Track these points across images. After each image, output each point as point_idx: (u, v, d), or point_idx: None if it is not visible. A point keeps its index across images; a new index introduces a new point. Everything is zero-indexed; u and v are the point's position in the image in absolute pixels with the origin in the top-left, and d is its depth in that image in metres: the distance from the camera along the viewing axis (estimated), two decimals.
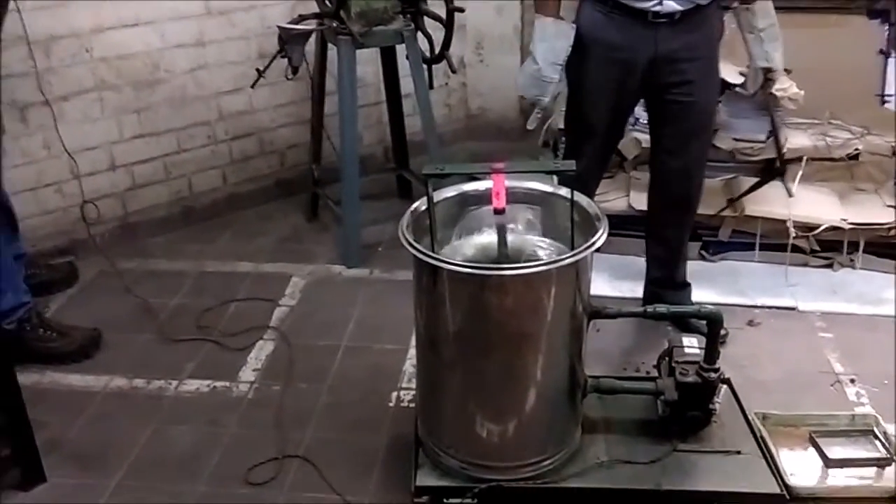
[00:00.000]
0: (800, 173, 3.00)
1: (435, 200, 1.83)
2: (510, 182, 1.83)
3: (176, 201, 3.34)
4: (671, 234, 2.67)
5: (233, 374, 2.47)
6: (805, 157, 3.06)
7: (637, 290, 2.89)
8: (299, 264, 3.08)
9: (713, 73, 2.47)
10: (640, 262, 3.06)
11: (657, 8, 2.26)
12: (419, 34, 3.02)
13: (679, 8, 2.27)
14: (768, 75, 2.53)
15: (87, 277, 2.97)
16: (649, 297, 2.70)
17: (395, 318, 2.63)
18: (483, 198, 1.89)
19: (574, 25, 2.35)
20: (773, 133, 3.06)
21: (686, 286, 2.71)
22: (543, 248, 1.89)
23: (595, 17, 2.35)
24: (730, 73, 3.20)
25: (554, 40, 2.33)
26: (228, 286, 2.92)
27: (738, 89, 2.82)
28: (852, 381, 2.44)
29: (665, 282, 2.68)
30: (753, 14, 2.43)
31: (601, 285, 2.90)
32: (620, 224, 3.13)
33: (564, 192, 1.84)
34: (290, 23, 2.92)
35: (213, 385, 2.43)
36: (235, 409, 2.33)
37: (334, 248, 3.18)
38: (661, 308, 1.90)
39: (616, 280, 2.98)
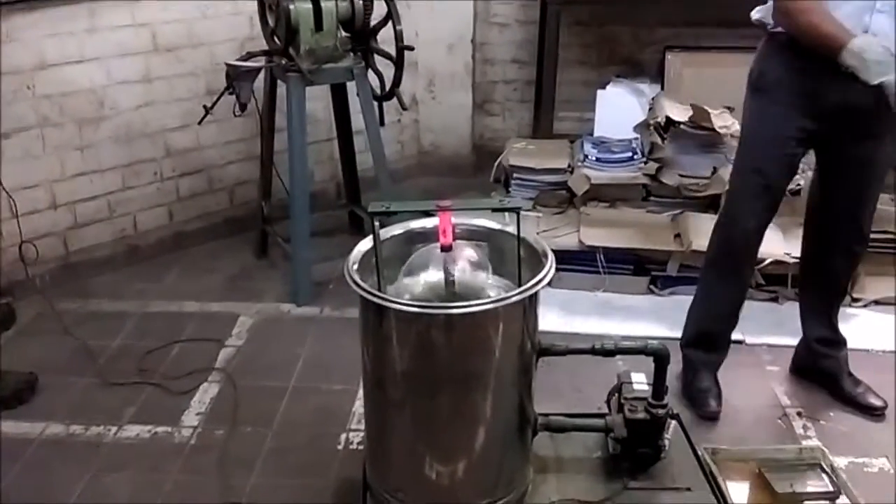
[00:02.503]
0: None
1: (382, 238, 1.80)
2: (458, 219, 1.82)
3: (120, 240, 3.27)
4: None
5: (175, 418, 2.39)
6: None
7: (587, 324, 2.90)
8: (247, 303, 3.03)
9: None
10: (590, 297, 3.10)
11: None
12: (370, 72, 3.03)
13: None
14: None
15: (24, 319, 2.87)
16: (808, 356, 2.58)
17: (345, 357, 2.59)
18: (430, 235, 1.87)
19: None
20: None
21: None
22: (491, 286, 1.87)
23: (781, 57, 2.20)
24: (676, 110, 3.28)
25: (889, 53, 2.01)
26: (173, 327, 2.85)
27: None
28: (799, 414, 2.46)
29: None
30: None
31: (552, 321, 2.91)
32: (570, 259, 3.17)
33: (511, 229, 1.84)
34: (238, 59, 2.91)
35: (155, 430, 2.35)
36: (177, 455, 2.25)
37: (284, 285, 3.13)
38: (609, 344, 1.90)
39: (567, 315, 2.99)
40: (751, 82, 2.34)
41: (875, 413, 2.44)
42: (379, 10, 2.95)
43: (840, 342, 2.55)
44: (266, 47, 2.96)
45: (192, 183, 3.41)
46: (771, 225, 2.90)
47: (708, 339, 2.53)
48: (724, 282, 2.48)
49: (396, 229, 1.91)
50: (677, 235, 3.11)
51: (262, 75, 3.02)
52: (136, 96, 3.15)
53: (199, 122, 3.01)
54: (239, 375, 2.59)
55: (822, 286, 2.52)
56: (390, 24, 2.92)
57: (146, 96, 3.18)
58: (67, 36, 2.93)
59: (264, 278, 3.22)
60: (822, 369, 2.56)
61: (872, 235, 3.11)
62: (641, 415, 1.92)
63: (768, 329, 2.87)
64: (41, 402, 2.46)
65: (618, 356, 1.94)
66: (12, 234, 2.96)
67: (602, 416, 2.07)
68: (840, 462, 2.20)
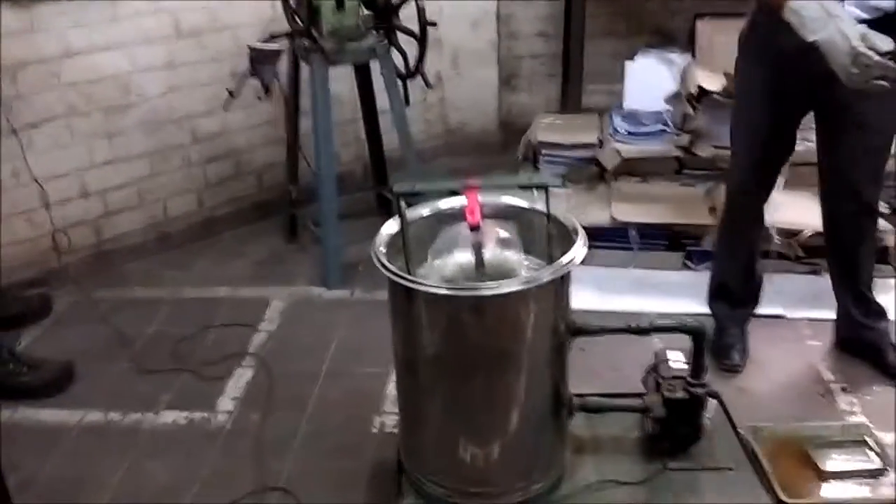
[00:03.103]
0: (782, 179, 2.97)
1: (409, 219, 1.78)
2: (486, 198, 1.78)
3: (151, 227, 3.28)
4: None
5: (210, 404, 2.40)
6: (789, 162, 3.02)
7: (622, 302, 2.85)
8: (278, 287, 3.02)
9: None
10: (624, 274, 3.04)
11: None
12: (393, 50, 2.99)
13: (862, 15, 2.03)
14: None
15: (60, 308, 2.90)
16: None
17: (377, 339, 2.53)
18: (458, 215, 1.84)
19: None
20: None
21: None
22: (522, 265, 1.84)
23: (760, 17, 2.16)
24: (708, 80, 3.19)
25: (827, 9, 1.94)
26: (206, 313, 2.86)
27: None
28: (843, 389, 2.40)
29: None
30: None
31: (586, 299, 2.84)
32: (603, 236, 3.11)
33: (540, 206, 1.79)
34: (260, 42, 2.88)
35: (191, 416, 2.36)
36: (214, 440, 2.26)
37: (314, 269, 3.12)
38: (644, 322, 1.85)
39: (601, 293, 2.93)
40: (739, 43, 2.30)
41: None
42: None
43: (877, 312, 2.47)
44: (288, 29, 2.93)
45: (219, 168, 3.41)
46: (810, 195, 2.83)
47: (728, 292, 2.55)
48: (732, 241, 2.52)
49: (424, 209, 1.87)
50: (712, 209, 3.03)
51: (285, 57, 2.99)
52: (161, 83, 3.15)
53: (225, 108, 2.99)
54: (272, 360, 2.59)
55: (840, 257, 2.46)
56: (413, 0, 2.87)
57: (171, 82, 3.17)
58: (92, 25, 2.93)
59: (294, 262, 3.21)
60: (863, 341, 2.49)
61: None
62: (680, 394, 1.87)
63: (809, 302, 2.79)
64: (79, 390, 2.48)
65: (654, 334, 1.89)
66: (44, 223, 2.98)
67: (640, 395, 2.04)
68: (887, 438, 2.13)
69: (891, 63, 1.90)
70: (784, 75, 2.12)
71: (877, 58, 1.89)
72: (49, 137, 2.95)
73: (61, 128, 2.97)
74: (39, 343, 2.72)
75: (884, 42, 1.90)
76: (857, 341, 2.50)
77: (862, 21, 2.02)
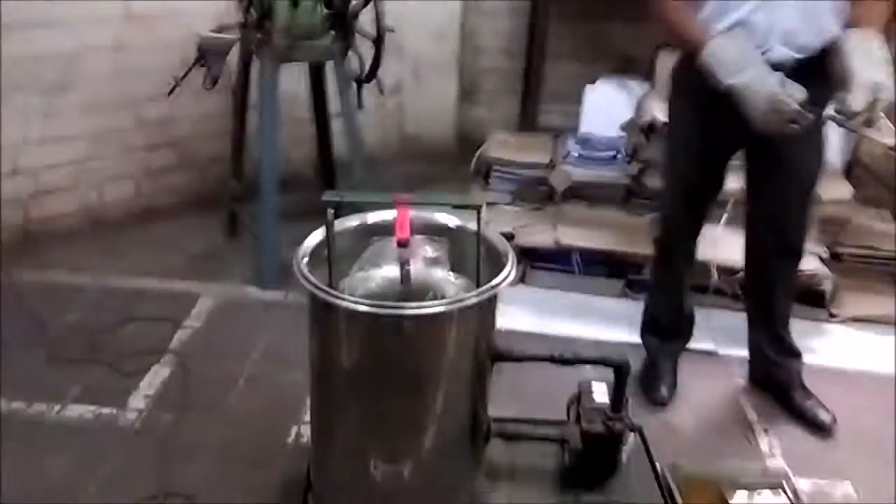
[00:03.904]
0: (725, 216, 2.98)
1: (337, 230, 1.72)
2: (420, 214, 1.74)
3: (83, 211, 3.17)
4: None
5: (122, 400, 2.31)
6: (731, 200, 3.04)
7: (559, 326, 2.83)
8: (210, 283, 2.94)
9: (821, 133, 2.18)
10: (564, 298, 3.02)
11: (766, 56, 1.99)
12: (350, 53, 2.93)
13: (793, 55, 2.03)
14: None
15: None
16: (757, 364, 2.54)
17: (306, 345, 2.50)
18: (389, 228, 1.79)
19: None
20: None
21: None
22: (449, 284, 1.79)
23: (688, 55, 2.10)
24: (662, 111, 3.19)
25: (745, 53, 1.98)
26: (130, 304, 2.76)
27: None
28: (766, 431, 2.40)
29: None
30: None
31: (523, 320, 2.83)
32: (546, 258, 3.10)
33: (472, 225, 1.75)
34: (211, 32, 2.80)
35: (99, 412, 2.27)
36: (120, 439, 2.17)
37: (250, 268, 3.04)
38: (568, 353, 1.82)
39: (539, 315, 2.91)
40: (671, 80, 2.32)
41: (822, 429, 2.37)
42: None
43: (789, 351, 2.49)
44: (241, 20, 2.86)
45: (161, 157, 3.32)
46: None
47: (660, 325, 2.56)
48: (664, 275, 2.53)
49: (353, 220, 1.82)
50: (656, 239, 3.03)
51: (236, 50, 2.92)
52: (107, 64, 3.05)
53: (168, 94, 2.90)
54: (193, 359, 2.51)
55: (759, 294, 2.48)
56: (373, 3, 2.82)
57: (117, 65, 3.08)
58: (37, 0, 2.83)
59: (230, 259, 3.12)
60: (772, 378, 2.51)
61: (852, 250, 3.10)
62: (598, 427, 1.85)
63: (742, 340, 2.80)
64: None
65: (577, 366, 1.86)
66: None
67: (561, 423, 2.01)
68: (803, 484, 2.14)
69: (807, 113, 1.92)
70: (713, 114, 2.11)
71: (794, 105, 1.91)
72: None
73: None
74: None
75: (799, 91, 1.93)
76: (768, 378, 2.52)
77: (788, 62, 2.04)
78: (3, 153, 2.93)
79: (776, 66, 1.99)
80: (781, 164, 2.21)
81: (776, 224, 2.32)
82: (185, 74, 2.81)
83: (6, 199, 2.97)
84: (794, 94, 1.92)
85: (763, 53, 2.01)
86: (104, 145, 3.15)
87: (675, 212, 2.40)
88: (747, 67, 1.95)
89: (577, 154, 3.33)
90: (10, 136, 2.93)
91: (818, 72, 2.03)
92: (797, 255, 2.39)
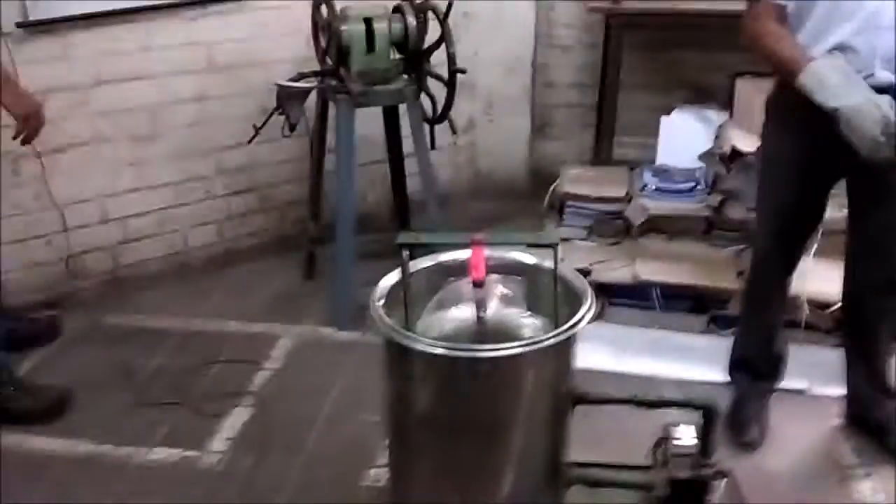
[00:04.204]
0: (815, 246, 2.85)
1: (412, 270, 1.72)
2: (494, 252, 1.72)
3: (169, 256, 3.28)
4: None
5: (204, 442, 2.35)
6: (820, 230, 2.91)
7: (639, 364, 2.75)
8: (289, 325, 2.98)
9: None
10: (644, 335, 2.93)
11: (869, 81, 1.92)
12: (422, 94, 2.96)
13: (893, 81, 1.95)
14: None
15: (69, 333, 2.89)
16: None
17: (382, 386, 2.50)
18: (464, 268, 1.78)
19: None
20: None
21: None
22: (526, 325, 1.76)
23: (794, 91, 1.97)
24: (743, 140, 3.10)
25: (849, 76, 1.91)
26: (213, 346, 2.82)
27: None
28: (867, 475, 2.25)
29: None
30: None
31: (602, 358, 2.76)
32: (624, 293, 3.02)
33: (548, 263, 1.72)
34: (289, 80, 2.88)
35: (183, 454, 2.31)
36: (202, 481, 2.21)
37: (328, 308, 3.07)
38: (651, 395, 1.76)
39: (619, 352, 2.83)
40: (766, 108, 2.22)
41: None
42: (434, 31, 2.88)
43: (890, 392, 2.35)
44: (318, 68, 2.93)
45: (242, 201, 3.40)
46: (841, 264, 2.70)
47: (750, 364, 2.44)
48: (755, 313, 2.42)
49: (427, 261, 1.81)
50: (741, 273, 2.92)
51: (313, 95, 2.99)
52: (190, 114, 3.17)
53: (249, 142, 2.98)
54: (272, 400, 2.54)
55: (858, 331, 2.34)
56: (444, 46, 2.85)
57: (200, 114, 3.19)
58: (124, 54, 2.96)
59: (308, 300, 3.16)
60: (871, 419, 2.37)
61: None
62: (686, 473, 1.77)
63: (836, 378, 2.65)
64: (74, 419, 2.45)
65: (661, 408, 1.79)
66: (63, 247, 2.99)
67: (645, 468, 1.93)
68: None
69: None
70: (814, 143, 2.03)
71: None
72: (74, 162, 2.97)
73: (87, 154, 2.99)
74: (44, 367, 2.70)
75: None
76: (866, 418, 2.38)
77: (891, 85, 1.94)
78: (94, 202, 3.06)
79: (881, 89, 1.91)
80: (889, 192, 2.08)
81: (882, 256, 2.19)
82: (265, 122, 2.89)
83: (97, 246, 3.09)
84: None
85: (865, 78, 1.92)
86: (188, 192, 3.26)
87: (771, 246, 2.29)
88: (853, 91, 1.86)
89: (654, 186, 3.25)
90: (101, 186, 3.06)
91: None
92: None
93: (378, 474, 2.22)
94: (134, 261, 3.20)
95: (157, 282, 3.23)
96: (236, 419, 2.46)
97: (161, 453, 2.31)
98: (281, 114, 2.88)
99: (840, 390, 2.48)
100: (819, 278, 2.80)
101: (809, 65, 1.91)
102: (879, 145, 1.84)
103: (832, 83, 1.87)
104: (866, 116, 1.83)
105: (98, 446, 2.34)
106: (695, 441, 1.82)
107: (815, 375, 2.65)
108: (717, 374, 2.59)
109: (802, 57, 1.94)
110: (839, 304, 2.71)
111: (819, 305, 2.78)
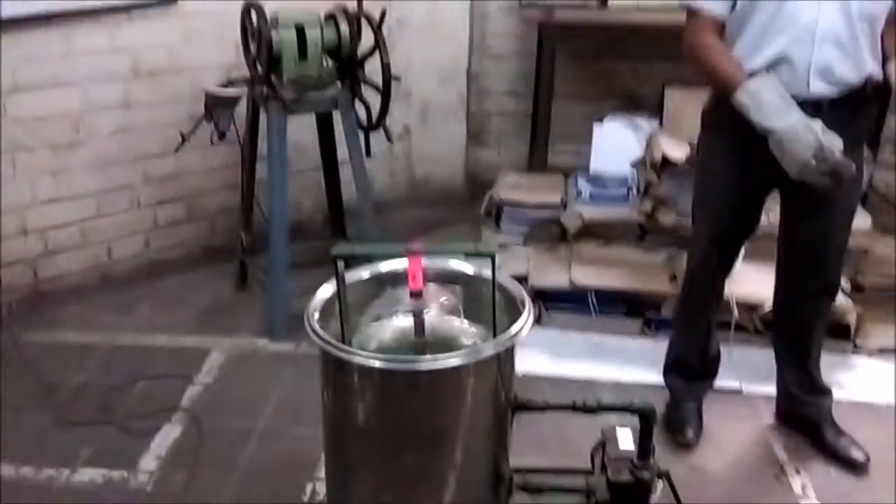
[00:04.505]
0: (743, 251, 2.93)
1: (348, 281, 1.68)
2: (432, 261, 1.70)
3: (92, 268, 3.15)
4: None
5: (133, 462, 2.26)
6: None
7: (576, 368, 2.77)
8: (220, 337, 2.90)
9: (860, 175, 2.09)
10: (581, 339, 2.96)
11: (804, 94, 1.95)
12: (357, 101, 2.93)
13: (831, 91, 1.98)
14: None
15: None
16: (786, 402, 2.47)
17: (319, 398, 2.44)
18: (401, 277, 1.75)
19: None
20: None
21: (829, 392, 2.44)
22: (465, 334, 1.75)
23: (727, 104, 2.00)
24: (672, 148, 3.17)
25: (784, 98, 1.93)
26: (140, 362, 2.72)
27: None
28: (798, 471, 2.31)
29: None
30: None
31: (540, 363, 2.78)
32: (561, 298, 3.05)
33: (488, 272, 1.71)
34: (218, 86, 2.81)
35: (109, 475, 2.21)
36: (131, 502, 2.11)
37: (261, 319, 3.00)
38: (591, 401, 1.76)
39: (556, 357, 2.85)
40: (702, 118, 2.26)
41: (856, 468, 2.29)
42: (368, 38, 2.85)
43: (820, 389, 2.42)
44: (247, 75, 2.86)
45: (170, 211, 3.30)
46: (769, 267, 2.78)
47: (685, 366, 2.48)
48: (691, 316, 2.46)
49: (364, 271, 1.78)
50: (673, 277, 2.98)
51: (244, 102, 2.92)
52: (114, 122, 3.05)
53: (176, 150, 2.90)
54: (205, 416, 2.46)
55: (792, 332, 2.40)
56: (378, 53, 2.82)
57: (125, 122, 3.08)
58: (41, 60, 2.84)
59: (241, 312, 3.09)
60: (802, 417, 2.43)
61: (878, 280, 3.03)
62: (625, 477, 1.78)
63: (766, 377, 2.71)
64: None
65: (600, 413, 1.80)
66: None
67: (586, 472, 1.94)
68: None
69: (849, 161, 1.87)
70: (748, 155, 2.06)
71: (837, 155, 1.86)
72: None
73: (4, 163, 2.85)
74: None
75: (838, 140, 1.89)
76: (797, 417, 2.45)
77: (823, 101, 2.00)
78: (11, 214, 2.92)
79: (814, 102, 1.96)
80: (822, 202, 2.12)
81: (814, 262, 2.25)
82: (193, 130, 2.81)
83: (14, 259, 2.95)
84: (835, 142, 1.87)
85: (801, 90, 1.97)
86: (112, 202, 3.14)
87: (707, 252, 2.32)
88: (788, 113, 1.90)
89: (588, 193, 3.30)
90: (18, 196, 2.92)
91: (855, 107, 2.01)
92: (834, 292, 2.34)
93: (317, 488, 2.17)
94: (55, 274, 3.06)
95: (81, 295, 3.10)
96: (166, 437, 2.37)
97: (86, 474, 2.21)
98: (210, 121, 2.81)
99: (771, 389, 2.55)
100: (747, 281, 2.88)
101: (746, 83, 1.94)
102: (810, 169, 1.89)
103: (767, 103, 1.91)
104: (800, 139, 1.87)
105: (18, 469, 2.23)
106: (633, 444, 1.84)
107: (746, 375, 2.72)
108: (652, 376, 2.62)
109: (740, 74, 1.97)
110: (767, 306, 2.80)
111: (748, 307, 2.85)
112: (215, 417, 2.45)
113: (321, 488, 2.16)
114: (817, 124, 1.90)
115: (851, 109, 2.04)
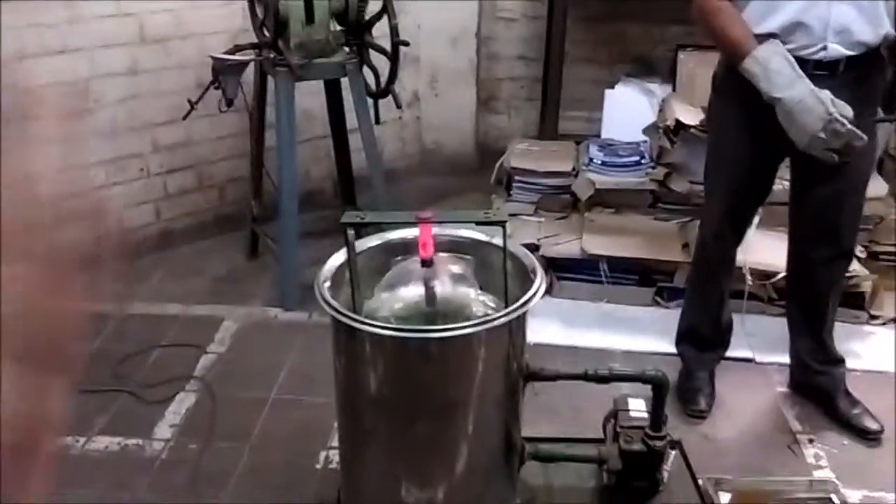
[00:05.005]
0: (757, 218, 2.89)
1: (358, 250, 1.67)
2: (442, 230, 1.69)
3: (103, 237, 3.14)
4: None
5: (147, 430, 2.28)
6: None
7: (588, 337, 2.76)
8: (233, 306, 2.90)
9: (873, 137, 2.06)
10: (592, 308, 2.95)
11: (821, 55, 1.93)
12: (364, 67, 2.89)
13: (847, 53, 1.94)
14: None
15: None
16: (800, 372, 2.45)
17: (331, 367, 2.45)
18: (412, 246, 1.74)
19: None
20: None
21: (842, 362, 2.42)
22: (476, 302, 1.74)
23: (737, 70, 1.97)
24: (686, 113, 3.12)
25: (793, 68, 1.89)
26: (154, 330, 2.73)
27: None
28: (811, 441, 2.31)
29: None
30: None
31: (552, 333, 2.77)
32: (572, 268, 3.03)
33: (497, 240, 1.69)
34: (225, 53, 2.78)
35: (125, 443, 2.23)
36: (147, 470, 2.13)
37: (272, 289, 3.00)
38: (603, 370, 1.75)
39: (568, 327, 2.84)
40: (713, 84, 2.22)
41: (869, 437, 2.28)
42: (376, 2, 2.80)
43: (834, 359, 2.40)
44: (255, 40, 2.83)
45: (180, 179, 3.28)
46: (784, 236, 2.75)
47: (697, 336, 2.47)
48: (703, 285, 2.45)
49: (374, 240, 1.77)
50: (685, 245, 2.95)
51: (251, 69, 2.89)
52: (122, 89, 3.03)
53: (184, 118, 2.87)
54: (218, 385, 2.47)
55: (805, 301, 2.38)
56: (386, 17, 2.77)
57: (132, 89, 3.05)
58: (49, 26, 2.80)
59: (253, 281, 3.09)
60: (815, 386, 2.42)
61: (888, 248, 2.99)
62: (637, 446, 1.78)
63: (779, 346, 2.70)
64: None
65: (613, 383, 1.79)
66: None
67: (598, 441, 1.94)
68: (853, 496, 2.05)
69: (859, 131, 1.83)
70: (761, 120, 2.02)
71: (848, 126, 1.82)
72: None
73: (10, 131, 2.83)
74: None
75: (847, 110, 1.85)
76: (810, 386, 2.44)
77: (841, 60, 1.95)
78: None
79: (831, 64, 1.92)
80: (832, 168, 2.06)
81: (827, 227, 2.22)
82: (200, 97, 2.78)
83: None
84: (846, 112, 1.83)
85: (817, 52, 1.93)
86: (121, 171, 3.13)
87: (721, 220, 2.30)
88: (797, 83, 1.86)
89: (599, 161, 3.25)
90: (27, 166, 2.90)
91: (870, 68, 1.97)
92: (849, 257, 2.31)
93: (330, 456, 2.18)
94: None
95: (91, 265, 3.09)
96: (181, 405, 2.39)
97: (102, 442, 2.23)
98: (217, 88, 2.78)
99: (784, 358, 2.53)
100: (760, 249, 2.85)
101: (755, 50, 1.90)
102: (819, 141, 1.85)
103: (776, 71, 1.87)
104: (810, 110, 1.84)
105: None
106: (645, 414, 1.83)
107: (758, 344, 2.70)
108: (664, 345, 2.61)
109: (749, 41, 1.92)
110: (781, 275, 2.77)
111: (761, 276, 2.82)
112: (229, 386, 2.47)
113: (334, 456, 2.17)
114: (826, 94, 1.86)
115: (866, 70, 1.99)
